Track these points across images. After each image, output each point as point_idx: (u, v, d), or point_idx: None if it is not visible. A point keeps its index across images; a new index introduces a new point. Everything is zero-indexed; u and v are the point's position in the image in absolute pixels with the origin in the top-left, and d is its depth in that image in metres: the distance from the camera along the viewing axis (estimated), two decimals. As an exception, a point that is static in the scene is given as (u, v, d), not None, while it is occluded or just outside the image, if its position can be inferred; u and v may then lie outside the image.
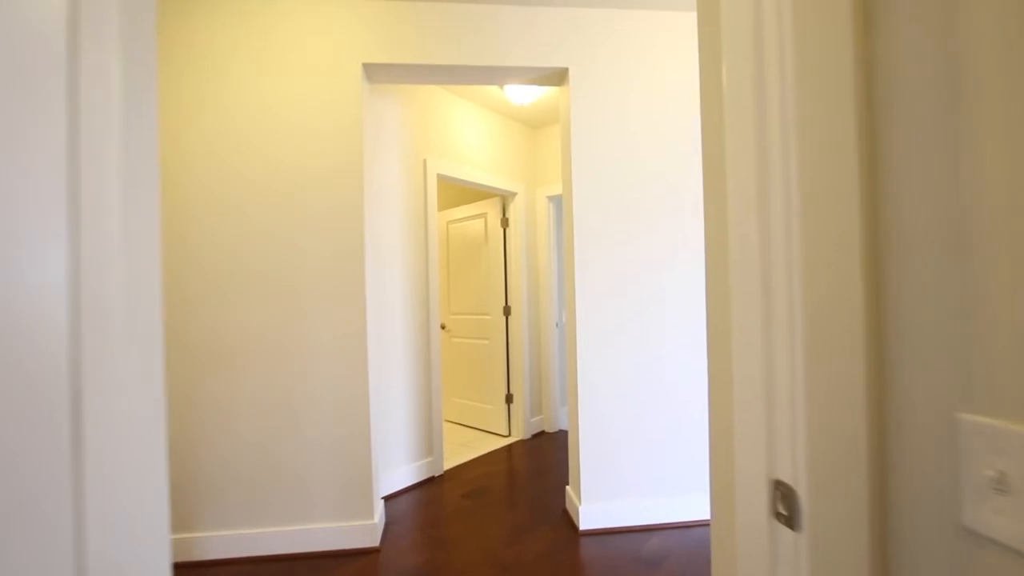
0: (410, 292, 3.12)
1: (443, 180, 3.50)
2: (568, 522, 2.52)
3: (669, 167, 2.49)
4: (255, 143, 2.34)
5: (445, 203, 4.89)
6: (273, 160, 2.37)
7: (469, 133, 3.62)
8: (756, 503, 0.57)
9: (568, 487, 2.65)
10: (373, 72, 2.46)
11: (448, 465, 3.44)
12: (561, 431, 4.25)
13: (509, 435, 4.11)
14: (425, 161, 3.24)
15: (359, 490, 2.38)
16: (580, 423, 2.43)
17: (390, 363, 2.98)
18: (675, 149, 2.49)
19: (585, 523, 2.41)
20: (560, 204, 4.39)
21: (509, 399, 4.10)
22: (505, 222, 4.09)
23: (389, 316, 2.99)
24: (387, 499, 2.88)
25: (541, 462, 3.46)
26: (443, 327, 4.55)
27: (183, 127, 2.27)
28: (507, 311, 4.09)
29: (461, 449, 3.79)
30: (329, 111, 2.38)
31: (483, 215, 4.22)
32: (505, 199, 4.10)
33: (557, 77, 2.57)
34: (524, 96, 3.26)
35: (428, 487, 3.05)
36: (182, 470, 2.27)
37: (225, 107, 2.30)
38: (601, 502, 2.43)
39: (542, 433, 4.19)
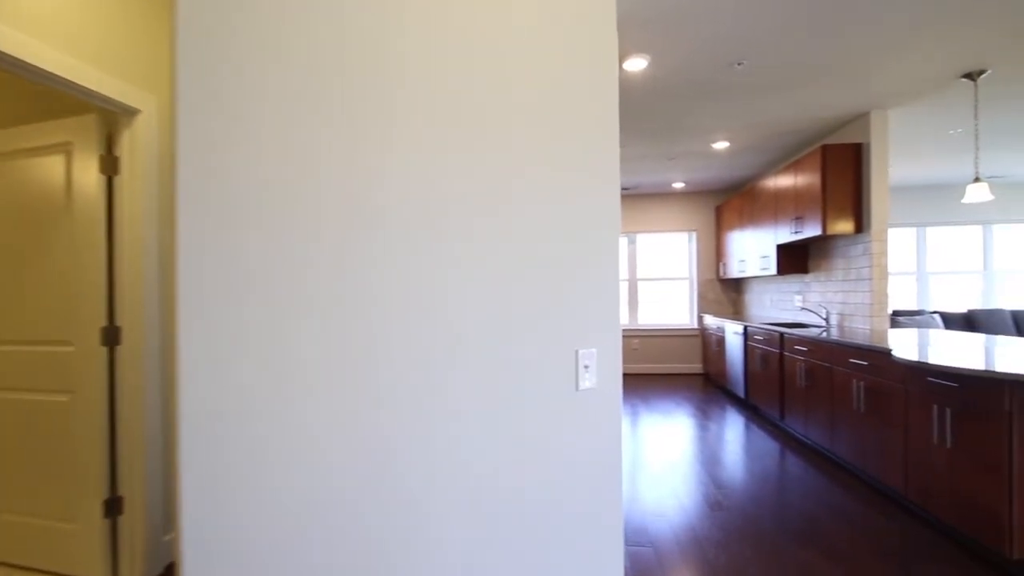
0: None
1: None
2: None
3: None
4: None
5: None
6: None
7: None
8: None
9: None
10: None
11: None
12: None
13: (113, 577, 2.12)
14: None
15: None
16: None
17: None
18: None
19: None
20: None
21: (114, 507, 2.12)
22: (111, 164, 2.12)
23: None
24: None
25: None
26: (-38, 371, 2.21)
27: None
28: (111, 337, 2.11)
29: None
30: None
31: (64, 148, 2.14)
32: (113, 120, 2.13)
33: None
34: None
35: None
36: None
37: None
38: None
39: (192, 553, 2.33)
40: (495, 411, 1.24)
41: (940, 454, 2.45)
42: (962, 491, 2.32)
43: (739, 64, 3.08)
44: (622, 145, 4.86)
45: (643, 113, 3.95)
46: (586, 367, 1.44)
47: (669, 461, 3.61)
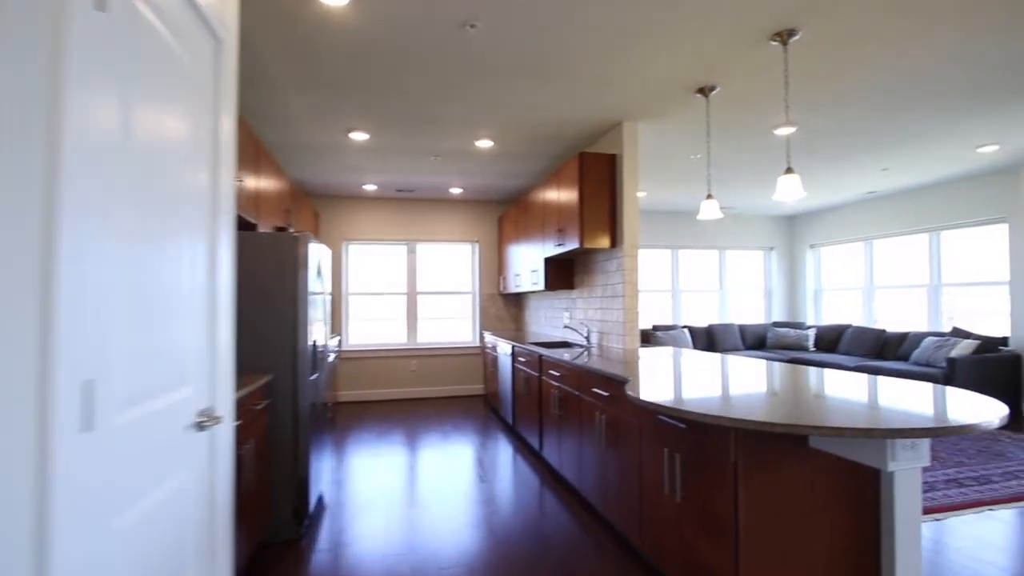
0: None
1: None
2: None
3: None
4: None
5: None
6: None
7: None
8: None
9: None
10: None
11: None
12: None
13: None
14: None
15: None
16: None
17: None
18: None
19: None
20: None
21: None
22: None
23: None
24: None
25: None
26: None
27: None
28: None
29: None
30: None
31: None
32: None
33: None
34: None
35: None
36: None
37: None
38: None
39: None
40: None
41: (670, 505, 2.07)
42: (692, 549, 1.94)
43: (472, 26, 2.47)
44: (369, 132, 4.01)
45: (367, 81, 3.15)
46: None
47: (409, 520, 2.80)
